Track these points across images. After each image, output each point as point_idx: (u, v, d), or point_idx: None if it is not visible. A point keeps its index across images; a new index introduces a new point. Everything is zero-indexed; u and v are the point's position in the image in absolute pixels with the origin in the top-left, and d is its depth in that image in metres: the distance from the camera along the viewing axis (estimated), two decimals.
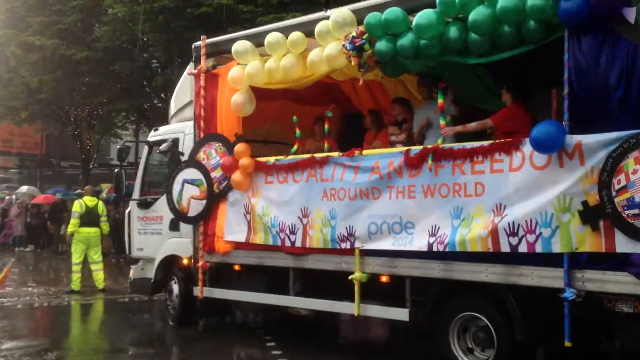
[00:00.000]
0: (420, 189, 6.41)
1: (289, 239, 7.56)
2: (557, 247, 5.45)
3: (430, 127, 7.21)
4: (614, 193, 5.13)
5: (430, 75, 7.41)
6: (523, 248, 5.64)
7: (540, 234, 5.53)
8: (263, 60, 7.83)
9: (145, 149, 10.46)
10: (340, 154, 7.28)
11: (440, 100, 6.51)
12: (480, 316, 6.19)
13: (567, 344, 5.43)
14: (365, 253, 6.89)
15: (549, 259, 5.53)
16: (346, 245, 7.00)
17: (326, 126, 7.75)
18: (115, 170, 10.66)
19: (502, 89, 6.72)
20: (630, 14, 5.14)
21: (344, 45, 6.68)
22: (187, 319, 9.51)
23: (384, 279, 6.87)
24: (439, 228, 6.23)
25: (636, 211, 5.01)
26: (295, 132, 7.91)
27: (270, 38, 7.54)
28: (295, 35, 7.36)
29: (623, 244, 5.12)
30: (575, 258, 5.40)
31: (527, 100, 6.64)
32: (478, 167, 6.01)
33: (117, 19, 18.98)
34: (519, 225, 5.65)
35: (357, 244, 6.91)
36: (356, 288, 6.94)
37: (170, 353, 8.75)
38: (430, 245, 6.26)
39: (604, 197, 5.18)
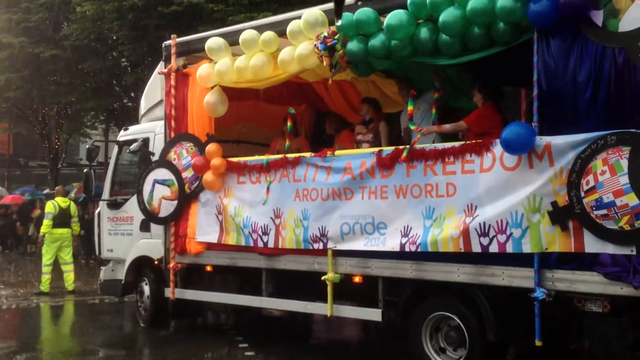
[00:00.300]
0: (392, 190, 6.43)
1: (262, 239, 7.53)
2: (527, 248, 5.51)
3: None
4: (582, 194, 5.19)
5: (400, 76, 7.43)
6: (494, 248, 5.68)
7: (511, 234, 5.58)
8: (234, 58, 7.78)
9: (115, 148, 10.36)
10: (313, 154, 7.27)
11: (410, 108, 6.57)
12: (452, 316, 6.23)
13: (538, 343, 5.48)
14: (338, 253, 6.89)
15: (519, 259, 5.58)
16: (319, 245, 7.00)
17: (289, 123, 7.72)
18: (85, 170, 10.54)
19: (473, 89, 6.78)
20: (598, 17, 5.21)
21: (315, 45, 6.67)
22: (159, 320, 9.45)
23: (356, 279, 6.87)
24: (411, 228, 6.26)
25: (604, 212, 5.08)
26: (267, 132, 7.88)
27: (245, 35, 7.49)
28: (268, 34, 7.33)
29: (592, 244, 5.19)
30: (545, 258, 5.46)
31: (498, 101, 6.70)
32: (449, 167, 6.04)
33: (85, 17, 18.72)
34: (489, 225, 5.69)
35: (330, 245, 6.91)
36: (329, 289, 6.93)
37: (141, 355, 8.69)
38: (402, 246, 6.28)
39: (573, 198, 5.24)
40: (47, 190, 24.27)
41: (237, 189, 7.91)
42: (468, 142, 6.04)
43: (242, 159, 7.93)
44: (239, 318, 10.14)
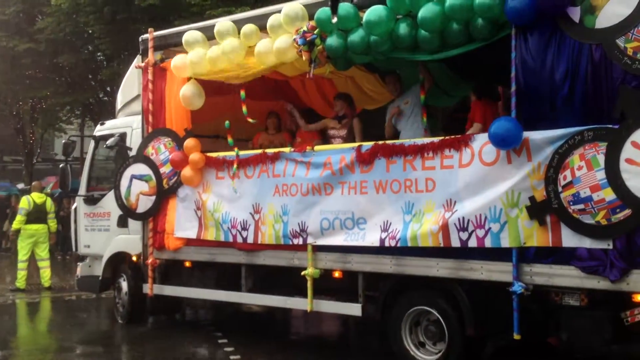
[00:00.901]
0: (372, 185, 6.44)
1: (241, 235, 7.51)
2: (505, 242, 5.55)
3: (401, 115, 7.24)
4: (560, 189, 5.24)
5: (384, 71, 7.44)
6: (473, 243, 5.72)
7: (490, 229, 5.62)
8: (206, 46, 7.69)
9: (92, 143, 10.27)
10: (292, 149, 7.26)
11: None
12: (431, 310, 6.26)
13: (516, 336, 5.53)
14: (318, 249, 6.89)
15: (498, 254, 5.63)
16: (298, 241, 6.99)
17: (242, 92, 7.64)
18: (61, 165, 10.43)
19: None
20: (575, 13, 5.26)
21: (294, 40, 6.65)
22: (137, 316, 9.39)
23: (336, 274, 6.88)
24: (390, 223, 6.28)
25: (581, 206, 5.14)
26: (251, 127, 7.86)
27: (220, 26, 7.43)
28: (249, 27, 7.27)
29: (569, 239, 5.25)
30: (523, 252, 5.51)
31: (492, 99, 6.73)
32: (428, 163, 6.06)
33: (60, 10, 18.50)
34: (468, 220, 5.73)
35: (310, 240, 6.90)
36: (309, 284, 6.93)
37: (119, 351, 8.61)
38: (382, 241, 6.29)
39: (551, 193, 5.29)
40: (21, 186, 23.98)
41: (216, 184, 7.88)
42: (447, 137, 6.06)
43: (220, 154, 7.89)
44: (218, 314, 10.11)
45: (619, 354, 6.25)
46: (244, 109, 7.62)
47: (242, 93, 7.67)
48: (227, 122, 7.68)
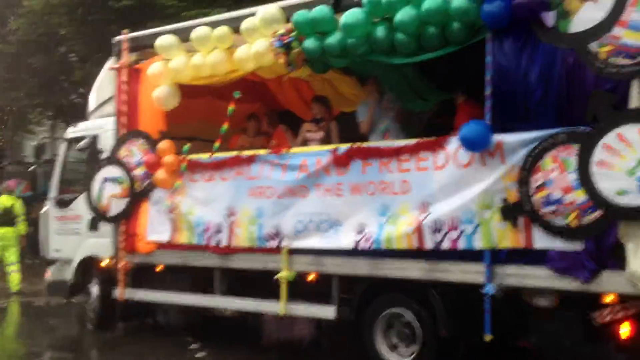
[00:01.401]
0: (347, 187, 6.45)
1: (215, 238, 7.45)
2: (478, 244, 5.59)
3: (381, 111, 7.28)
4: (532, 190, 5.30)
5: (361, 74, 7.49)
6: (446, 245, 5.75)
7: (463, 230, 5.66)
8: (189, 55, 7.69)
9: (63, 146, 10.14)
10: (268, 151, 7.24)
11: None
12: (405, 312, 6.27)
13: (488, 338, 5.57)
14: (293, 251, 6.87)
15: (471, 255, 5.66)
16: (273, 243, 6.95)
17: (231, 106, 7.61)
18: (31, 168, 10.28)
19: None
20: (550, 18, 5.33)
21: (271, 43, 6.65)
22: (107, 322, 9.27)
23: (311, 277, 6.86)
24: (365, 226, 6.28)
25: (553, 208, 5.20)
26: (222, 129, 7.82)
27: (198, 32, 7.41)
28: (222, 29, 7.26)
29: (541, 240, 5.31)
30: (496, 254, 5.55)
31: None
32: (404, 165, 6.09)
33: (33, 11, 18.28)
34: (442, 222, 5.76)
35: (285, 243, 6.88)
36: (283, 287, 6.91)
37: (89, 357, 8.52)
38: (357, 243, 6.30)
39: (523, 195, 5.35)
40: None
41: (190, 186, 7.81)
42: (422, 140, 6.09)
43: (194, 157, 7.84)
44: (190, 318, 10.02)
45: (589, 355, 6.32)
46: (233, 102, 7.57)
47: (236, 93, 7.62)
48: (186, 146, 7.72)
